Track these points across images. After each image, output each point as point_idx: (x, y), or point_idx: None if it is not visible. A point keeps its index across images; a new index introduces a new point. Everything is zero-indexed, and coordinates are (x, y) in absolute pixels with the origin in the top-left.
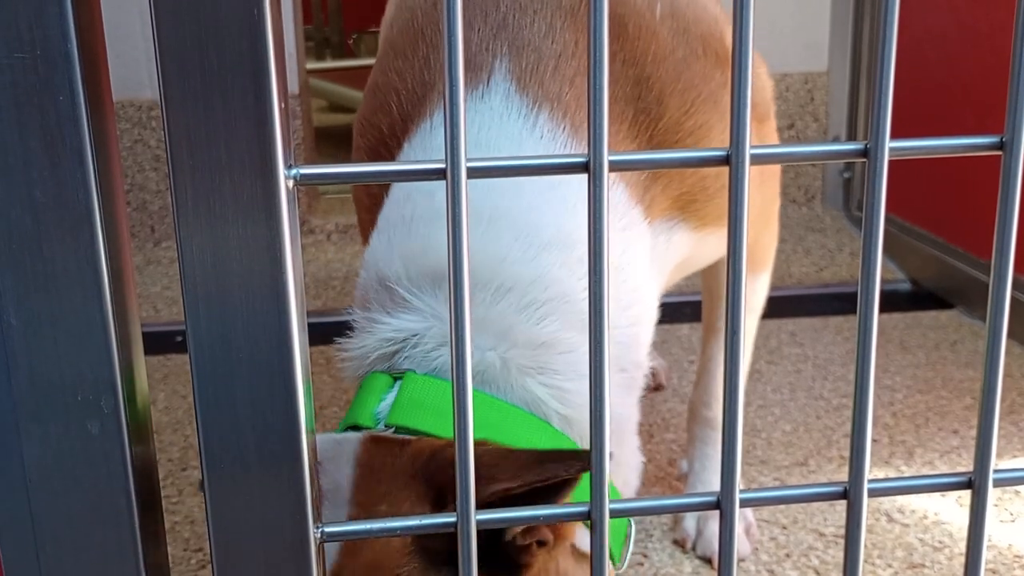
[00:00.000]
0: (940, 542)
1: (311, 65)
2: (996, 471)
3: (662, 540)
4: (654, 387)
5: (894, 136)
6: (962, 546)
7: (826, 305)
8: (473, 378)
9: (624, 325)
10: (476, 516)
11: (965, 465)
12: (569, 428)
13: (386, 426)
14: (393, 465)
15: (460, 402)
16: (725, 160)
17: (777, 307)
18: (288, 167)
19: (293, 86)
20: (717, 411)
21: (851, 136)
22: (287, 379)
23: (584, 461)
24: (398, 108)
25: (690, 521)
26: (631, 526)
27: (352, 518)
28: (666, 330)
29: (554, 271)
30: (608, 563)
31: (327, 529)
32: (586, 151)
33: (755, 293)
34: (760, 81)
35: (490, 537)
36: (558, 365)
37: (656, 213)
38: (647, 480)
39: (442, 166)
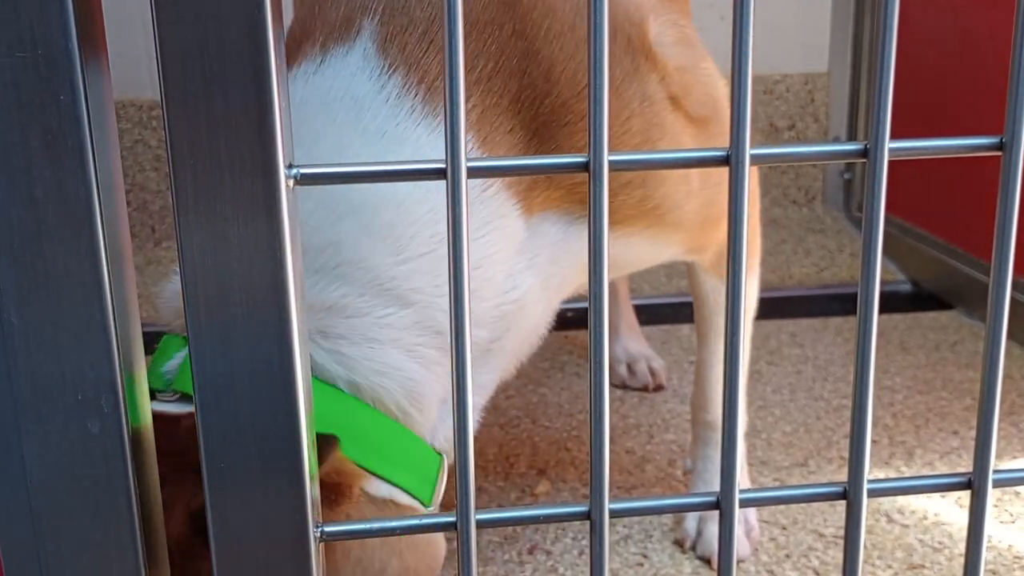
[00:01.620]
0: (940, 543)
1: None
2: (996, 472)
3: (662, 541)
4: (654, 387)
5: (894, 137)
6: (962, 547)
7: (826, 306)
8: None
9: (489, 320)
10: (476, 516)
11: (965, 466)
12: (359, 393)
13: (172, 391)
14: (168, 445)
15: (461, 402)
16: (725, 160)
17: (777, 308)
18: (289, 166)
19: None
20: (715, 414)
21: (851, 137)
22: (287, 379)
23: (335, 440)
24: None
25: (691, 521)
26: (443, 464)
27: None
28: (666, 330)
29: (351, 237)
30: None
31: (327, 529)
32: (440, 117)
33: (747, 298)
34: (703, 79)
35: None
36: (341, 329)
37: (538, 205)
38: (648, 481)
39: (442, 166)
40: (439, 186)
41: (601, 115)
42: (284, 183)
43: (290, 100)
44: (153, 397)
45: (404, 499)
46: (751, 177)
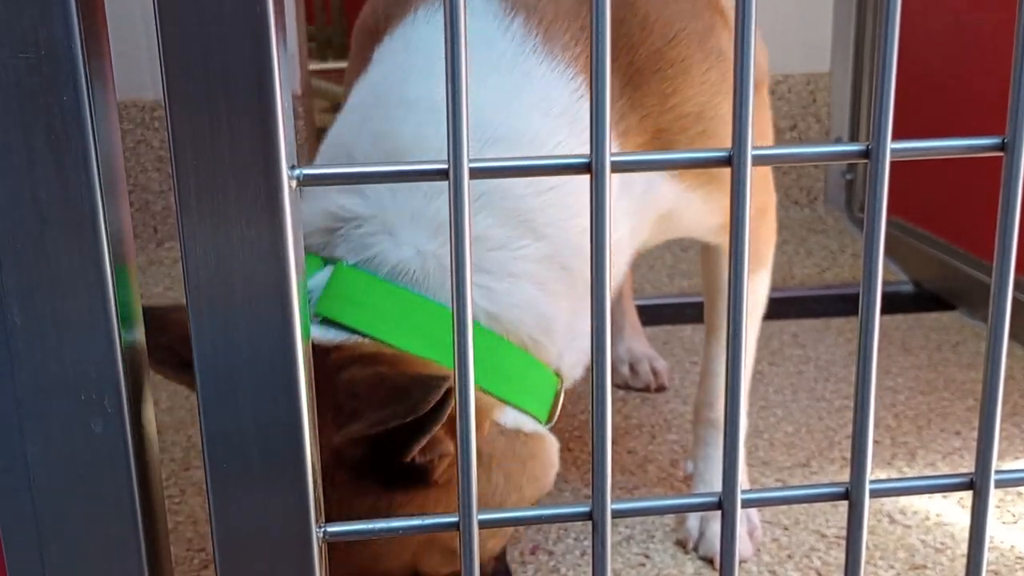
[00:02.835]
0: (942, 543)
1: (314, 66)
2: (998, 472)
3: (664, 541)
4: (656, 387)
5: (896, 137)
6: (964, 547)
7: (828, 306)
8: (404, 276)
9: (574, 231)
10: (478, 516)
11: (967, 466)
12: (495, 324)
13: (315, 315)
14: (318, 371)
15: (462, 401)
16: (727, 161)
17: (779, 308)
18: (291, 167)
19: (296, 87)
20: (720, 412)
21: (853, 137)
22: (290, 379)
23: (445, 382)
24: (384, 6)
25: (693, 521)
26: (560, 386)
27: None
28: (668, 331)
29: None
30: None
31: (329, 528)
32: (554, 57)
33: (753, 292)
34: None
35: (389, 454)
36: (486, 263)
37: (631, 147)
38: (649, 481)
39: (444, 166)
40: (566, 120)
41: (603, 115)
42: (287, 184)
43: (416, 40)
44: None
45: (529, 426)
46: (768, 170)
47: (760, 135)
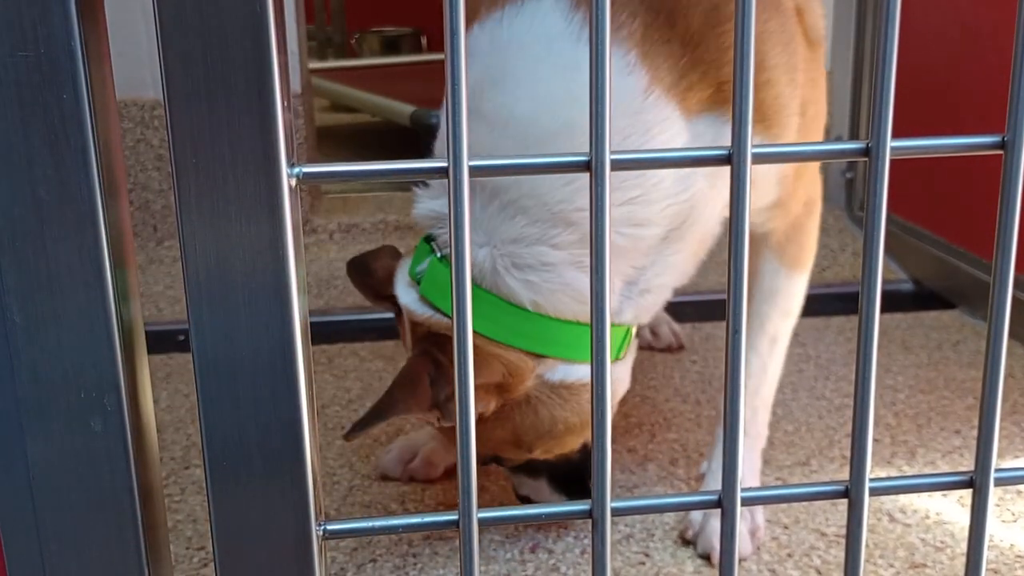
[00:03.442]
0: (942, 542)
1: (313, 64)
2: (997, 471)
3: (663, 540)
4: (677, 347)
5: (895, 136)
6: (964, 546)
7: (828, 305)
8: (483, 279)
9: (661, 219)
10: (478, 514)
11: (967, 465)
12: (540, 308)
13: (418, 295)
14: (415, 333)
15: (463, 400)
16: (727, 159)
17: None
18: (291, 165)
19: (296, 85)
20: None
21: (853, 136)
22: (290, 378)
23: (379, 415)
24: None
25: (696, 515)
26: (631, 331)
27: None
28: None
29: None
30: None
31: (329, 527)
32: (619, 43)
33: (791, 296)
34: (815, 7)
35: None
36: (526, 259)
37: (694, 107)
38: (649, 480)
39: (444, 165)
40: (653, 126)
41: (603, 115)
42: (286, 182)
43: (493, 41)
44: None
45: (582, 375)
46: (815, 175)
47: (816, 99)
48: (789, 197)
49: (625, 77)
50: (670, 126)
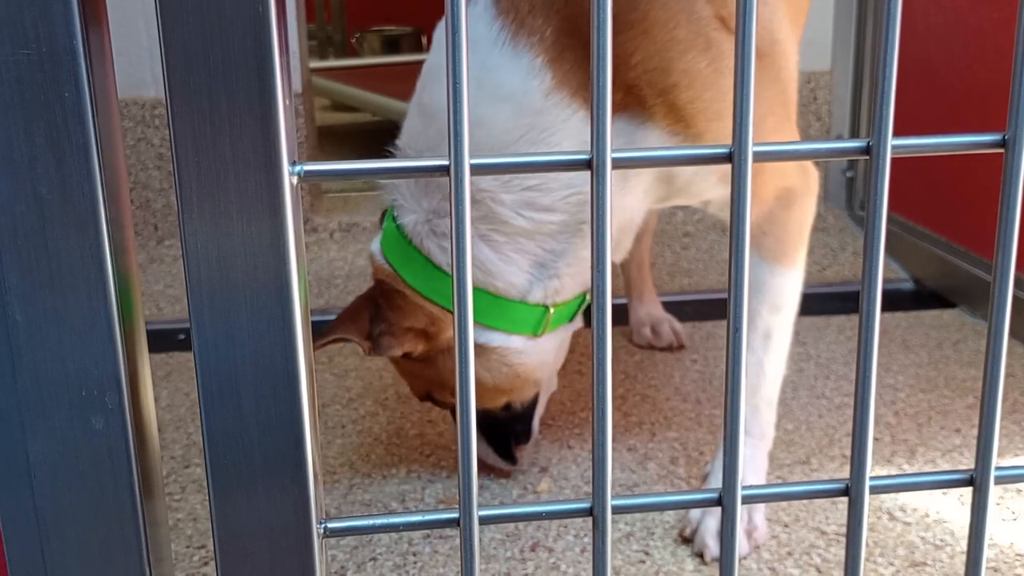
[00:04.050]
0: (942, 540)
1: (314, 64)
2: (998, 469)
3: (664, 538)
4: (677, 346)
5: (896, 135)
6: (963, 544)
7: (829, 304)
8: (414, 240)
9: (564, 206)
10: (479, 513)
11: (967, 464)
12: (477, 282)
13: (380, 252)
14: (374, 276)
15: (464, 400)
16: (728, 157)
17: None
18: (292, 164)
19: (296, 85)
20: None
21: (854, 136)
22: (291, 376)
23: (326, 336)
24: None
25: (695, 513)
26: (548, 310)
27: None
28: None
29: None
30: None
31: (330, 525)
32: (517, 46)
33: (777, 290)
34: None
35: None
36: (443, 227)
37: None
38: (650, 478)
39: (446, 163)
40: (519, 104)
41: (604, 115)
42: (288, 180)
43: (437, 39)
44: None
45: (495, 341)
46: (796, 167)
47: (780, 132)
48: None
49: (530, 80)
50: (569, 127)
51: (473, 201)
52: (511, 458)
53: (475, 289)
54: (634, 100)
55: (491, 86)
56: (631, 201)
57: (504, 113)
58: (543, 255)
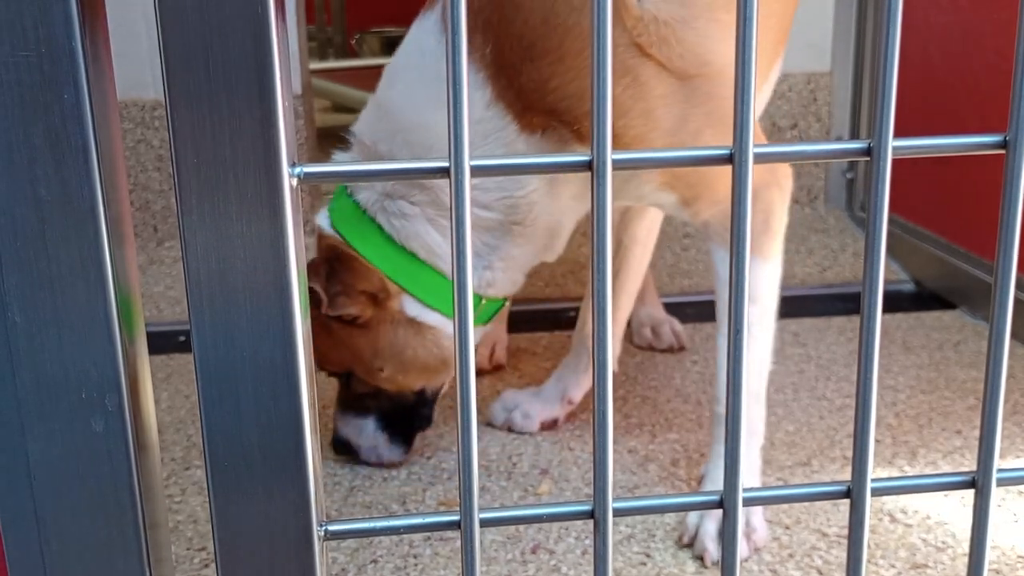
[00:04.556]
0: (943, 542)
1: (314, 65)
2: (1000, 471)
3: (665, 540)
4: (678, 348)
5: (897, 136)
6: (965, 546)
7: (829, 305)
8: (368, 212)
9: (499, 207)
10: (479, 515)
11: (968, 465)
12: (407, 248)
13: (330, 221)
14: (320, 247)
15: (464, 400)
16: (728, 159)
17: (780, 307)
18: (292, 165)
19: (296, 86)
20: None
21: (854, 137)
22: (291, 378)
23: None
24: None
25: (693, 517)
26: (480, 300)
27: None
28: None
29: (399, 149)
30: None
31: (331, 527)
32: (473, 62)
33: (753, 282)
34: (692, 36)
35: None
36: (392, 208)
37: (536, 124)
38: (650, 480)
39: (445, 165)
40: (491, 139)
41: (604, 115)
42: (288, 182)
43: (402, 43)
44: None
45: (432, 321)
46: (775, 165)
47: (703, 127)
48: (696, 196)
49: (475, 91)
50: (504, 136)
51: (424, 188)
52: (408, 444)
53: (424, 266)
54: (558, 123)
55: (438, 94)
56: (559, 204)
57: (441, 116)
58: (480, 246)
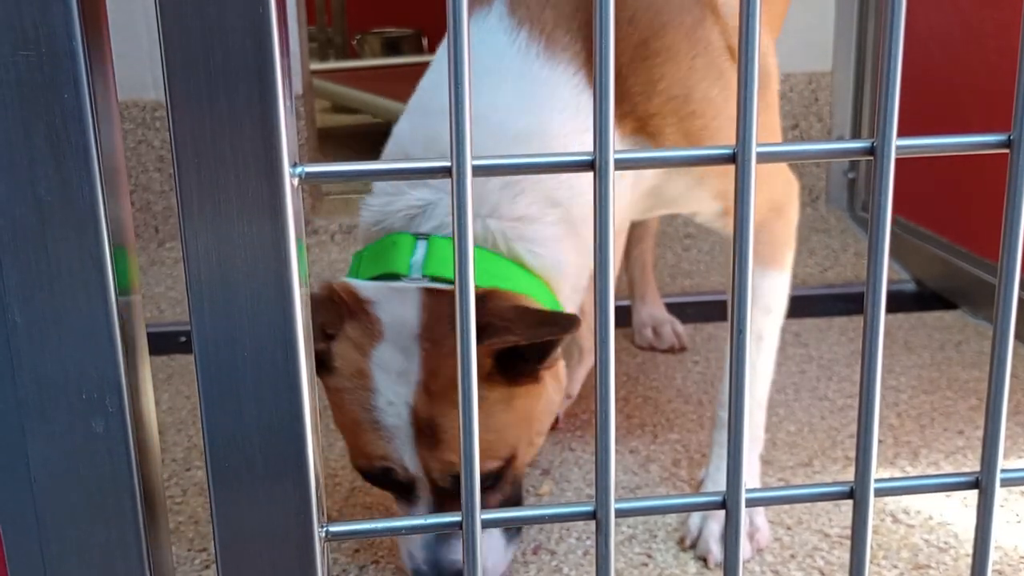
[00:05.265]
0: (946, 543)
1: (315, 66)
2: (1003, 471)
3: (666, 541)
4: (679, 348)
5: (899, 136)
6: (967, 547)
7: (831, 306)
8: (476, 238)
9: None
10: (481, 516)
11: (971, 466)
12: (540, 274)
13: (423, 275)
14: (451, 307)
15: (465, 399)
16: (731, 158)
17: None
18: (293, 166)
19: (297, 87)
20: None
21: (855, 136)
22: (292, 378)
23: (573, 323)
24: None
25: (695, 519)
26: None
27: (426, 351)
28: None
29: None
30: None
31: (332, 529)
32: (555, 58)
33: (765, 294)
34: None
35: (511, 356)
36: (530, 233)
37: (626, 131)
38: (652, 481)
39: (447, 164)
40: (570, 114)
41: (607, 115)
42: (289, 182)
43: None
44: (397, 278)
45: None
46: (784, 182)
47: (766, 133)
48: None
49: (579, 95)
50: (562, 93)
51: (556, 204)
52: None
53: (546, 288)
54: (652, 131)
55: (544, 97)
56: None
57: (568, 126)
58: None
